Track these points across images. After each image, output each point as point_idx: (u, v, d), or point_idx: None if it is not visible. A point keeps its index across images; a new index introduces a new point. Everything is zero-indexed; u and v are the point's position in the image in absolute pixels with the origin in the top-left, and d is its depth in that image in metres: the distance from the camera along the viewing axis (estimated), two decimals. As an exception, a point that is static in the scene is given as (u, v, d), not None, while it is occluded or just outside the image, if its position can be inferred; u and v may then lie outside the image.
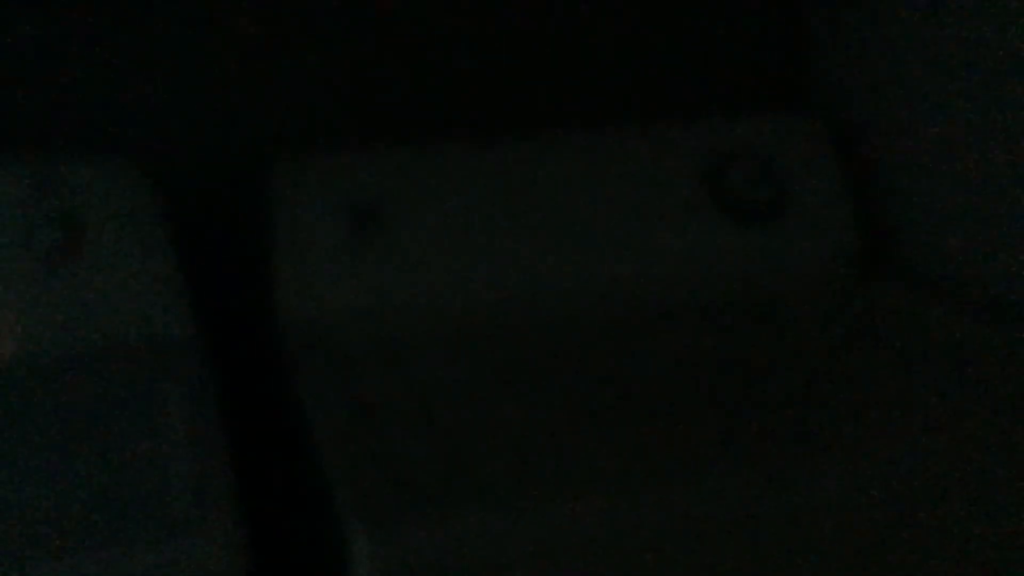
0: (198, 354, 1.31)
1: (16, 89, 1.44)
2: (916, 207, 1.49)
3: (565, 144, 1.51)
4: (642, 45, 1.63)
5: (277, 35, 1.51)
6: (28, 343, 1.29)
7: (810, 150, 1.55)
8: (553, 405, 1.16)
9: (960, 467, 1.05)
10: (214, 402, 1.18)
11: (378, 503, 0.96)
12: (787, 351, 1.30)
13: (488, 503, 0.96)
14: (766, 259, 1.50)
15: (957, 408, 1.12)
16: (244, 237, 1.52)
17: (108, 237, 1.35)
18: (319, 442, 1.08)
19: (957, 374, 1.20)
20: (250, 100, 1.52)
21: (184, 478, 1.00)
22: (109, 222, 1.35)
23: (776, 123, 1.57)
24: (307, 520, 1.15)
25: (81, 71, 1.46)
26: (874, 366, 1.25)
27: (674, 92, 1.65)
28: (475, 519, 0.94)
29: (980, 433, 1.07)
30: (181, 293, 1.36)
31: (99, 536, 0.91)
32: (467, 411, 1.15)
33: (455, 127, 1.58)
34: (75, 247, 1.34)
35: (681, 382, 1.21)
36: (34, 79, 1.45)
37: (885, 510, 1.03)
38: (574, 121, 1.61)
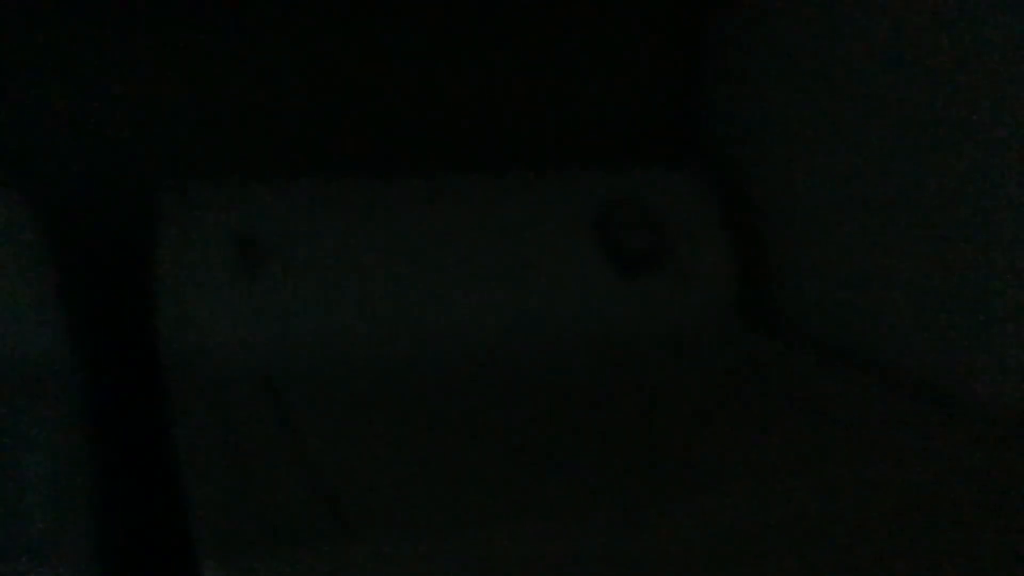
0: (71, 377, 1.29)
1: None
2: (790, 261, 1.54)
3: (456, 186, 1.52)
4: (536, 96, 1.66)
5: (166, 60, 1.51)
6: None
7: (694, 203, 1.59)
8: (426, 440, 1.16)
9: (819, 506, 1.07)
10: (83, 425, 1.16)
11: (234, 536, 0.95)
12: (660, 394, 1.32)
13: (348, 537, 0.96)
14: (647, 306, 1.53)
15: (816, 452, 1.15)
16: (129, 263, 1.51)
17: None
18: (186, 472, 1.07)
19: (819, 420, 1.23)
20: (138, 125, 1.51)
21: (43, 500, 0.98)
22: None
23: (662, 175, 1.61)
24: (168, 550, 1.13)
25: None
26: (741, 411, 1.28)
27: (566, 144, 1.68)
28: (332, 553, 0.93)
29: (838, 475, 1.10)
30: (57, 316, 1.33)
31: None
32: (341, 445, 1.14)
33: (346, 163, 1.59)
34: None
35: (557, 421, 1.22)
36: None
37: (739, 549, 1.04)
38: (466, 165, 1.63)
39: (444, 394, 1.31)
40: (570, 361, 1.42)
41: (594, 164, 1.62)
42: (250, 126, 1.55)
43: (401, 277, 1.45)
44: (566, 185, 1.56)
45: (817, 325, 1.49)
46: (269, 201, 1.45)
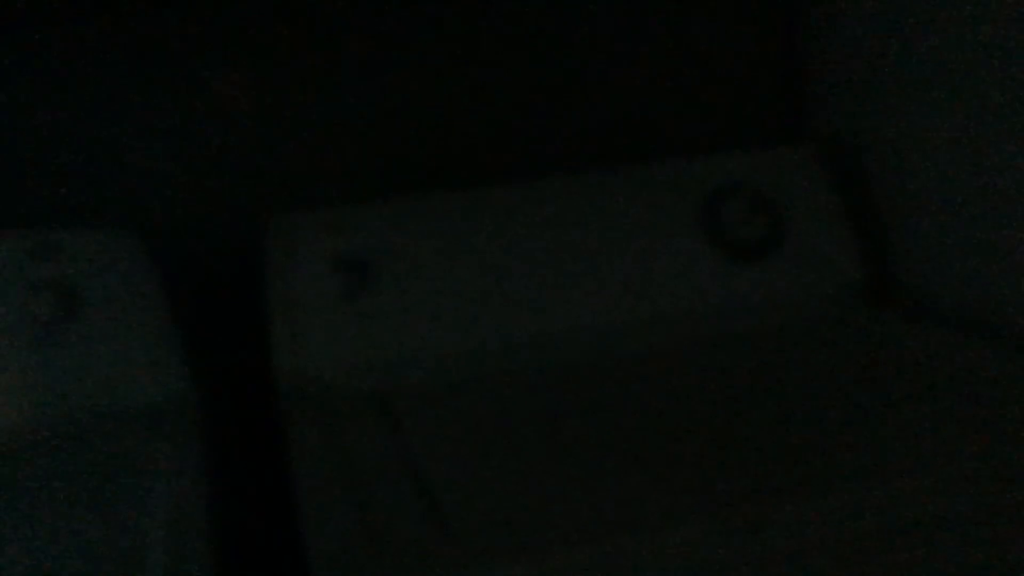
0: (192, 418, 1.31)
1: (9, 160, 1.47)
2: (914, 236, 1.48)
3: (558, 188, 1.50)
4: (633, 84, 1.63)
5: (268, 95, 1.53)
6: (22, 410, 1.30)
7: (806, 182, 1.53)
8: (552, 457, 1.13)
9: (960, 499, 1.01)
10: (203, 465, 1.18)
11: (356, 563, 0.94)
12: (787, 383, 1.27)
13: (471, 565, 0.93)
14: (765, 293, 1.48)
15: (960, 439, 1.08)
16: (241, 296, 1.53)
17: (104, 304, 1.36)
18: (303, 498, 1.07)
19: (960, 404, 1.16)
20: (242, 160, 1.53)
21: (161, 548, 0.99)
22: (105, 289, 1.37)
23: (771, 156, 1.55)
24: (284, 567, 1.14)
25: (73, 141, 1.48)
26: (875, 397, 1.21)
27: (666, 129, 1.64)
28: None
29: (983, 463, 1.03)
30: (178, 359, 1.36)
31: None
32: (460, 467, 1.13)
33: (448, 176, 1.59)
34: (71, 314, 1.35)
35: (682, 421, 1.19)
36: (26, 149, 1.47)
37: (879, 543, 0.99)
38: (567, 163, 1.61)
39: (559, 402, 1.28)
40: (691, 356, 1.38)
41: (698, 149, 1.58)
42: (348, 151, 1.57)
43: (508, 286, 1.44)
44: (671, 173, 1.52)
45: (943, 303, 1.43)
46: (373, 222, 1.45)
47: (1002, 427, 1.09)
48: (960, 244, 1.39)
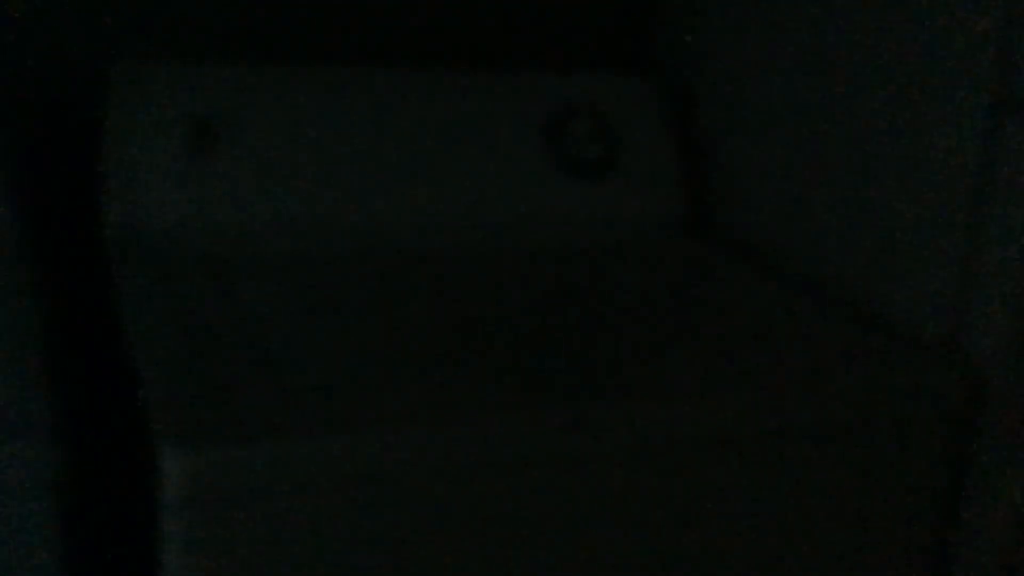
0: (19, 255, 1.27)
1: None
2: (739, 177, 1.56)
3: (410, 80, 1.51)
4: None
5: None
6: None
7: (646, 111, 1.60)
8: (384, 334, 1.17)
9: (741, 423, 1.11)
10: (34, 303, 1.15)
11: (192, 420, 0.95)
12: (598, 299, 1.35)
13: (311, 427, 0.97)
14: (592, 213, 1.55)
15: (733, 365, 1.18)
16: (77, 147, 1.47)
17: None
18: (138, 360, 1.07)
19: (737, 332, 1.27)
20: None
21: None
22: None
23: (615, 82, 1.61)
24: (124, 444, 1.14)
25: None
26: (677, 318, 1.31)
27: (520, 46, 1.67)
28: (295, 442, 0.95)
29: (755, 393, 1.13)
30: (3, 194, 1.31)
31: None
32: (296, 336, 1.15)
33: (303, 51, 1.57)
34: None
35: (494, 322, 1.24)
36: None
37: (672, 454, 1.08)
38: (423, 58, 1.61)
39: (390, 288, 1.32)
40: (510, 262, 1.44)
41: (547, 66, 1.61)
42: (205, 6, 1.53)
43: (350, 168, 1.44)
44: (519, 86, 1.56)
45: (753, 238, 1.52)
46: (224, 83, 1.43)
47: (770, 358, 1.20)
48: (776, 195, 1.49)
